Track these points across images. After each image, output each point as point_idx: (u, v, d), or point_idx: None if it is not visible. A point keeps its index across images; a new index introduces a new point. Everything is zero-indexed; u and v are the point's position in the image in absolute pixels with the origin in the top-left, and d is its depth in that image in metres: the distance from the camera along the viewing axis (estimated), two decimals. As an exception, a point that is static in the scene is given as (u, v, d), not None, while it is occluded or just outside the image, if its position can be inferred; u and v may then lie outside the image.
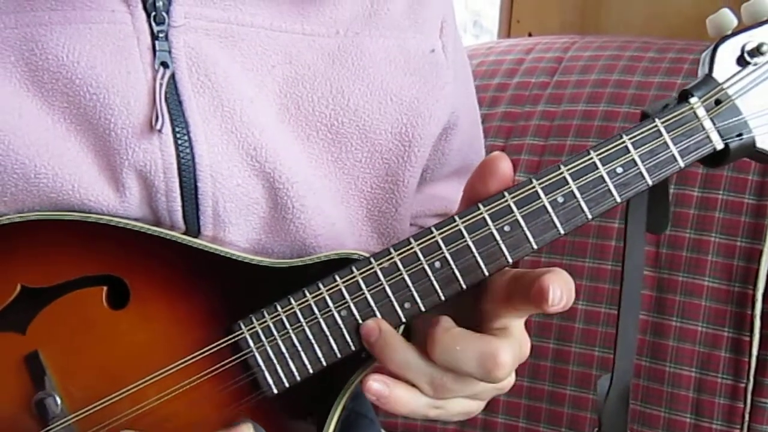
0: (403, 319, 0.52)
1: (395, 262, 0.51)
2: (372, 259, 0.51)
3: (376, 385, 0.50)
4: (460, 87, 0.71)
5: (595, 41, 1.18)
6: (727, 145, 0.52)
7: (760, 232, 0.93)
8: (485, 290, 0.53)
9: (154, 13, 0.56)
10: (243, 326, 0.52)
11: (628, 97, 1.06)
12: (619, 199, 0.51)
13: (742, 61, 0.52)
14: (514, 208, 0.50)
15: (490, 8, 1.64)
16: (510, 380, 0.54)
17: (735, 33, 0.53)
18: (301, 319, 0.52)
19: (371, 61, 0.63)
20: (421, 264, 0.51)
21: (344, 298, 0.52)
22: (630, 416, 0.96)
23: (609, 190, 0.51)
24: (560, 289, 0.46)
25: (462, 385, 0.51)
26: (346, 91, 0.62)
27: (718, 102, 0.52)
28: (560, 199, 0.51)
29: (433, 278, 0.51)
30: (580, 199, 0.51)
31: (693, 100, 0.52)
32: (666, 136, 0.51)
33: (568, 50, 1.17)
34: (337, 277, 0.52)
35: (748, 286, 0.92)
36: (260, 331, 0.52)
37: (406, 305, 0.51)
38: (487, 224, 0.50)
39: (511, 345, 0.50)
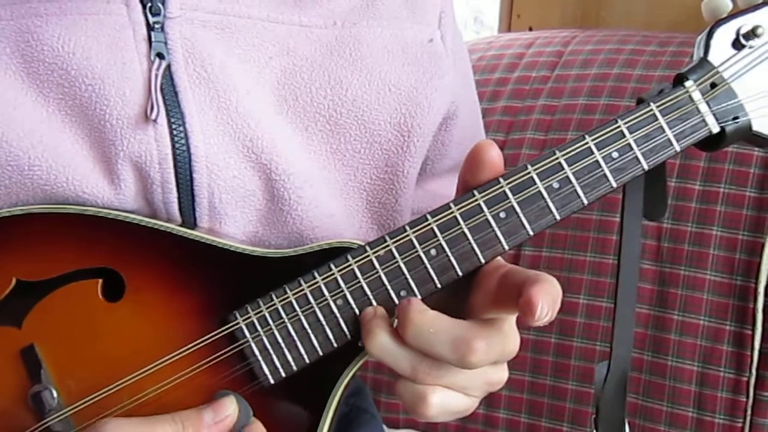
0: (399, 307, 0.51)
1: (390, 250, 0.51)
2: (367, 248, 0.51)
3: None
4: (460, 78, 0.71)
5: (595, 35, 1.18)
6: (723, 128, 0.52)
7: (761, 225, 0.92)
8: (475, 285, 0.52)
9: (149, 4, 0.56)
10: (238, 316, 0.52)
11: (629, 91, 1.05)
12: (614, 184, 0.51)
13: (737, 45, 0.52)
14: (510, 195, 0.50)
15: (490, 5, 1.64)
16: (501, 375, 0.52)
17: (730, 16, 0.53)
18: (297, 309, 0.52)
19: (369, 51, 0.63)
20: (417, 251, 0.51)
21: (340, 286, 0.51)
22: (632, 410, 0.95)
23: (605, 174, 0.51)
24: (547, 306, 0.46)
25: (440, 372, 0.49)
26: (344, 82, 0.61)
27: (713, 85, 0.52)
28: (556, 185, 0.50)
29: (428, 266, 0.51)
30: (576, 185, 0.50)
31: (688, 83, 0.52)
32: (661, 120, 0.51)
33: (569, 44, 1.17)
34: (333, 266, 0.51)
35: (750, 280, 0.92)
36: (256, 321, 0.52)
37: (402, 293, 0.51)
38: (483, 211, 0.50)
39: (489, 333, 0.48)
